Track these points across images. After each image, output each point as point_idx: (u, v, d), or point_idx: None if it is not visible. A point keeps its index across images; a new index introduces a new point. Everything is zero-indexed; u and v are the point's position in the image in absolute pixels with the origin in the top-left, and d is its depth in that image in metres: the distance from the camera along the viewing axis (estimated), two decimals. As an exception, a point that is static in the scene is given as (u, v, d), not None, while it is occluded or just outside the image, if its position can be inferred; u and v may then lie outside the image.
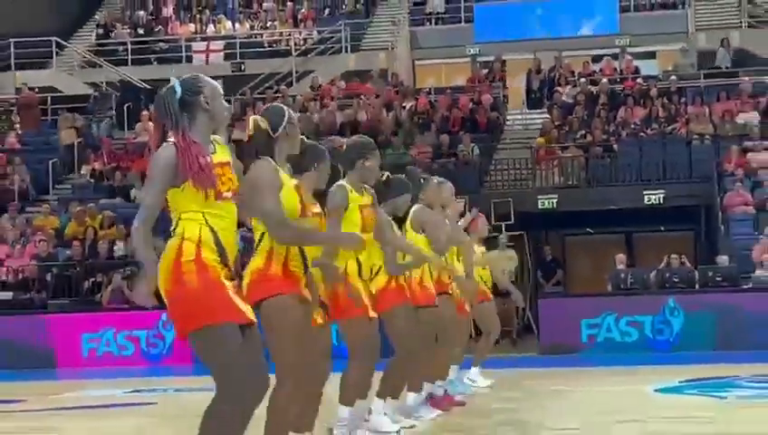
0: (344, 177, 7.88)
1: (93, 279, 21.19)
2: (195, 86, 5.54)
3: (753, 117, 23.94)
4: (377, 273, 8.37)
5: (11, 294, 21.10)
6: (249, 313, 5.47)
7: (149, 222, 5.40)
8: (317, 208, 7.05)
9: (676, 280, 19.10)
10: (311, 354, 6.85)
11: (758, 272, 18.60)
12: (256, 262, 6.30)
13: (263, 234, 6.36)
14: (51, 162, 26.15)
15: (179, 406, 12.35)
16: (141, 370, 17.81)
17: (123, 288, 20.51)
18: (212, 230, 5.41)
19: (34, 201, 25.13)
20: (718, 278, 18.67)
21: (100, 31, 32.21)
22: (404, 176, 9.25)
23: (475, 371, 12.56)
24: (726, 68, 27.32)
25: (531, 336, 21.14)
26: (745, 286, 18.54)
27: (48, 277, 21.46)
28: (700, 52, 28.83)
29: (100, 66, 30.37)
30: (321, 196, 7.47)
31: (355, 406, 8.00)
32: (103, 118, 28.05)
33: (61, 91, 29.92)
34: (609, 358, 16.68)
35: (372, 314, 7.80)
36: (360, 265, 7.82)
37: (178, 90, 5.49)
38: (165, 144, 5.42)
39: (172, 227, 5.45)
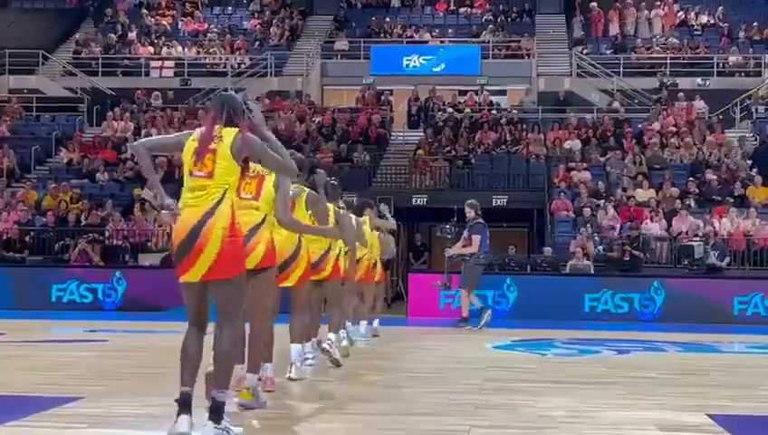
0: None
1: (63, 242, 20.82)
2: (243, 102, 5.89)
3: (576, 144, 24.28)
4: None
5: (-3, 251, 20.67)
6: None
7: None
8: None
9: (513, 265, 19.32)
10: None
11: (572, 261, 18.89)
12: None
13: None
14: (33, 148, 25.53)
15: (125, 344, 12.19)
16: (97, 314, 17.43)
17: (87, 250, 20.16)
18: None
19: (19, 178, 24.47)
20: (544, 264, 18.95)
21: (78, 47, 31.52)
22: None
23: (356, 326, 12.52)
24: (558, 105, 27.72)
25: (402, 302, 21.15)
26: (564, 272, 18.80)
27: (27, 239, 20.99)
28: (540, 92, 29.15)
29: (77, 75, 29.72)
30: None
31: (302, 345, 8.10)
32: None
33: (44, 93, 29.22)
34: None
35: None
36: None
37: (240, 98, 5.85)
38: (248, 134, 5.59)
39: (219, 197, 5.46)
